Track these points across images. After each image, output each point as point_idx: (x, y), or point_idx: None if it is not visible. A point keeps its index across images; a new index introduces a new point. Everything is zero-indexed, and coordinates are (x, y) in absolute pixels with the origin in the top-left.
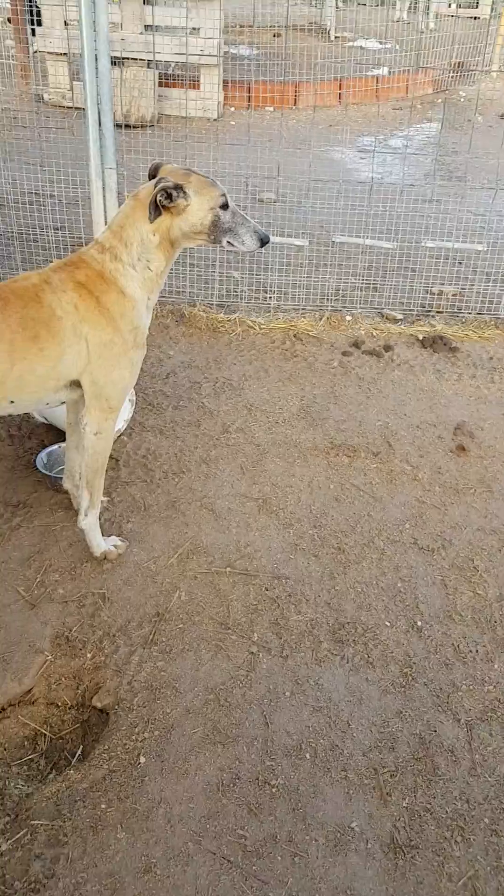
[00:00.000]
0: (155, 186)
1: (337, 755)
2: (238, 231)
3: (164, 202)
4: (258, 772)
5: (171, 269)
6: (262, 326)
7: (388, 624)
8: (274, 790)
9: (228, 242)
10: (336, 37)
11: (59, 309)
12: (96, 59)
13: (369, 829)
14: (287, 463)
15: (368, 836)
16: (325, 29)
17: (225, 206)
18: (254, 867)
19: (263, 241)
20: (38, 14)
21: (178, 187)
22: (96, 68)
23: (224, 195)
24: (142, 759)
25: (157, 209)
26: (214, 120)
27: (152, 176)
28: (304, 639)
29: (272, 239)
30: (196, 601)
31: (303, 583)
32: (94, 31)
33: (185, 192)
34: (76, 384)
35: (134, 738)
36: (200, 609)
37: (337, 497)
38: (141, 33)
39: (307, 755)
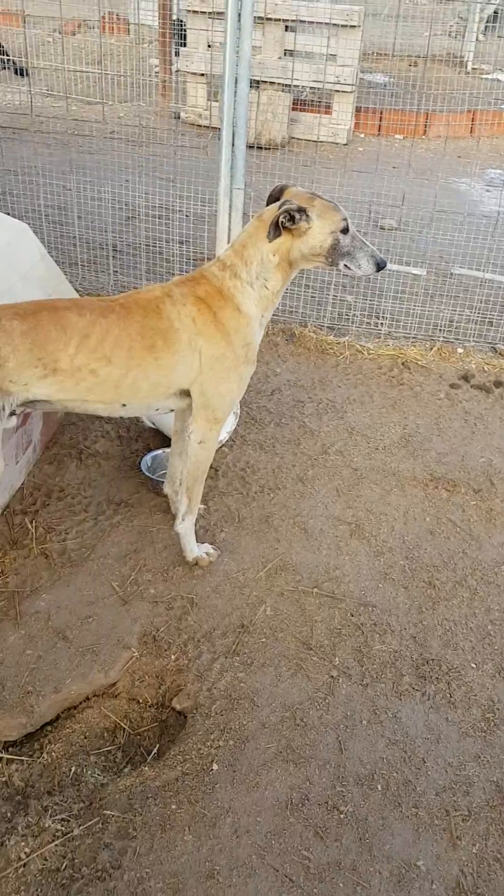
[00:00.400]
0: (279, 208)
1: (409, 791)
2: (356, 255)
3: (286, 223)
4: (328, 796)
5: (286, 289)
6: (371, 352)
7: (474, 666)
8: (342, 816)
9: (345, 266)
10: (473, 69)
11: (177, 321)
12: (236, 83)
13: (435, 870)
14: (384, 490)
15: (434, 876)
16: (463, 60)
17: (345, 231)
18: (315, 890)
19: (380, 267)
20: (184, 36)
21: (301, 210)
22: (235, 91)
23: (345, 220)
24: (214, 766)
25: (277, 230)
26: (343, 145)
27: (276, 198)
28: (386, 669)
29: (389, 266)
30: (281, 617)
31: (389, 613)
32: (237, 55)
33: (307, 215)
34: (186, 393)
35: (209, 744)
36: (284, 626)
37: (432, 530)
38: (279, 58)
39: (379, 786)
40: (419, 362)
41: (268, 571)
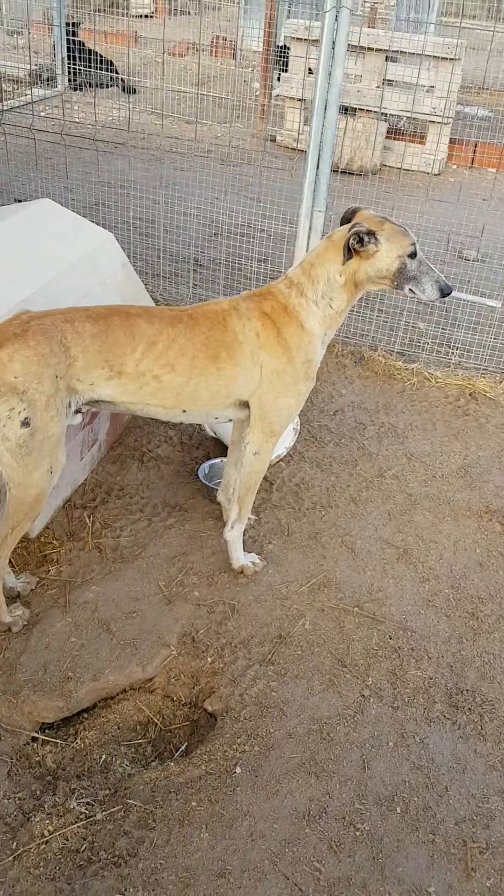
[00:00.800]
0: (349, 230)
1: (428, 817)
2: (421, 280)
3: (355, 245)
4: (346, 812)
5: (358, 312)
6: (439, 380)
7: None
8: (358, 833)
9: (410, 290)
10: None
11: (241, 334)
12: (325, 108)
13: None
14: (436, 518)
15: None
16: None
17: (413, 255)
18: None
19: (444, 293)
20: (286, 62)
21: (371, 233)
22: (324, 116)
23: (414, 244)
24: (238, 770)
25: (349, 252)
26: (435, 175)
27: (347, 220)
28: (418, 694)
29: (465, 296)
30: (318, 632)
31: (428, 639)
32: (329, 82)
33: (376, 238)
34: (245, 404)
35: (235, 747)
36: (321, 641)
37: (481, 562)
38: (378, 87)
39: (398, 808)
40: (487, 394)
41: (311, 586)
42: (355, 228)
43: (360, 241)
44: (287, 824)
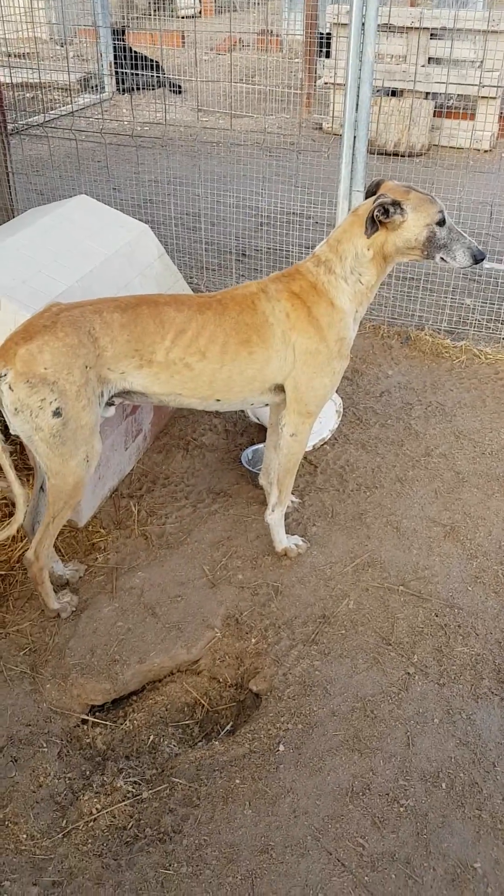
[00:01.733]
0: (373, 202)
1: (475, 792)
2: (452, 247)
3: (380, 217)
4: (390, 788)
5: (404, 292)
6: (489, 357)
7: None
8: (402, 810)
9: (441, 258)
10: None
11: (271, 316)
12: (359, 88)
13: (492, 874)
14: (485, 495)
15: (490, 880)
16: None
17: (441, 223)
18: (366, 878)
19: (477, 259)
20: (329, 47)
21: (396, 203)
22: (357, 96)
23: (441, 211)
24: (281, 748)
25: (374, 224)
26: (486, 151)
27: (372, 192)
28: (465, 671)
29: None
30: (363, 612)
31: (475, 616)
32: (360, 60)
33: (401, 209)
34: (280, 388)
35: (278, 726)
36: (366, 620)
37: None
38: (423, 66)
39: (443, 784)
40: None
41: (355, 567)
42: (380, 200)
43: (386, 212)
44: (330, 801)
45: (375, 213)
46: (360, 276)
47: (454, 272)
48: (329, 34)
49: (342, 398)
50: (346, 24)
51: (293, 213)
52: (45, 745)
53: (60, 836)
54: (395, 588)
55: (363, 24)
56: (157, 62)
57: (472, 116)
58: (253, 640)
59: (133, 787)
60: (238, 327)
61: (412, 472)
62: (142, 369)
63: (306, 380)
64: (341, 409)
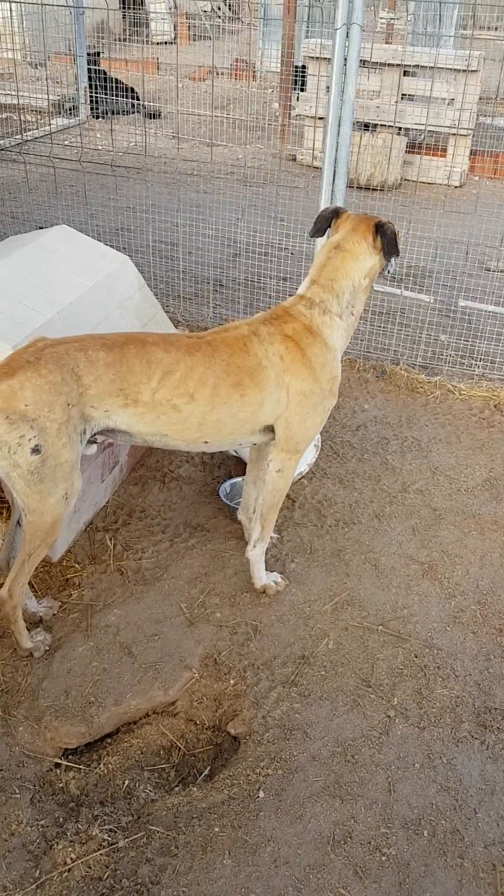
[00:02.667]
0: (377, 231)
1: (456, 840)
2: (391, 259)
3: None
4: (372, 836)
5: (379, 327)
6: (463, 392)
7: None
8: (384, 859)
9: (388, 271)
10: None
11: (264, 359)
12: (339, 125)
13: None
14: (462, 533)
15: None
16: None
17: None
18: None
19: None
20: (304, 80)
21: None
22: (338, 133)
23: None
24: (261, 794)
25: (395, 248)
26: (456, 187)
27: (327, 220)
28: (445, 714)
29: (486, 307)
30: (343, 652)
31: (455, 657)
32: (342, 99)
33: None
34: (269, 429)
35: (258, 771)
36: (345, 661)
37: None
38: (396, 102)
39: (425, 832)
40: None
41: (334, 605)
42: (388, 225)
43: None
44: (311, 849)
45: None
46: (353, 308)
47: (429, 308)
48: (304, 67)
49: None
50: (321, 59)
51: (269, 245)
52: (17, 791)
53: (34, 886)
54: (374, 628)
55: (345, 63)
56: (132, 88)
57: (444, 153)
58: (231, 682)
59: (109, 836)
60: (230, 370)
61: (389, 507)
62: (127, 409)
63: (300, 420)
64: (319, 444)
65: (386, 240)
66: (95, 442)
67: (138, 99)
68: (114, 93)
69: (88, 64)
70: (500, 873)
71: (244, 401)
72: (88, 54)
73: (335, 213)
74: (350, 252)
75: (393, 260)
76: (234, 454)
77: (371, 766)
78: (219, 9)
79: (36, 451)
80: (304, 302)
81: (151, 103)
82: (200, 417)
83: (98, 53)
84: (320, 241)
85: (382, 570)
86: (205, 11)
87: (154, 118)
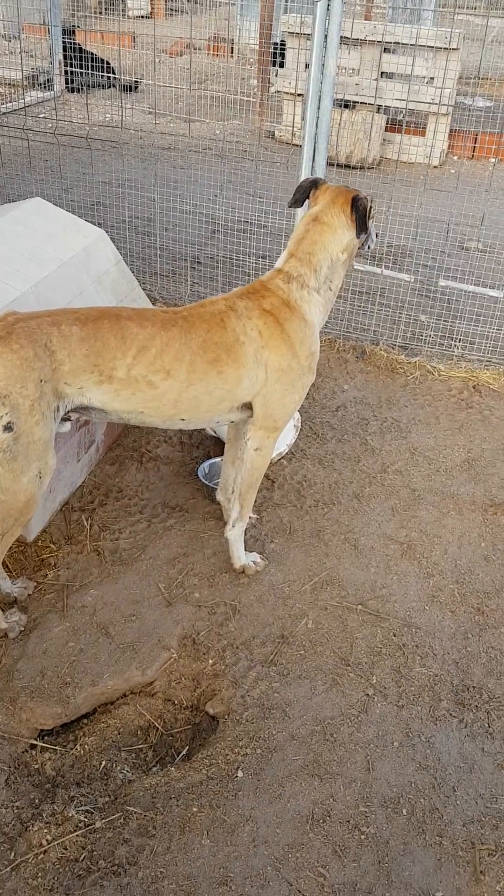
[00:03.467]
0: (352, 205)
1: (435, 818)
2: (372, 234)
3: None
4: (351, 815)
5: (359, 307)
6: (442, 373)
7: None
8: (363, 837)
9: (368, 246)
10: None
11: (242, 335)
12: (320, 100)
13: None
14: (440, 513)
15: None
16: None
17: None
18: None
19: (377, 235)
20: (283, 56)
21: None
22: (318, 108)
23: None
24: (239, 773)
25: (365, 225)
26: (435, 167)
27: (305, 191)
28: (423, 692)
29: (467, 287)
30: (321, 631)
31: (433, 636)
32: (322, 73)
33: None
34: (248, 406)
35: (237, 751)
36: (324, 640)
37: (486, 556)
38: (376, 79)
39: (404, 810)
40: (491, 386)
41: (313, 585)
42: (364, 199)
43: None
44: (290, 829)
45: (371, 210)
46: (331, 282)
47: (409, 288)
48: (283, 42)
49: (299, 413)
50: (300, 34)
51: (247, 222)
52: None
53: (9, 869)
54: (353, 607)
55: (325, 37)
56: (107, 61)
57: (423, 132)
58: (210, 661)
59: (85, 817)
60: (206, 346)
61: (369, 488)
62: (101, 385)
63: (278, 397)
64: (299, 424)
65: (357, 214)
66: (69, 419)
67: (113, 72)
68: (89, 66)
69: (63, 37)
70: (479, 851)
71: (221, 377)
72: (63, 29)
73: (314, 184)
74: (328, 225)
75: (373, 234)
76: (213, 433)
77: (350, 744)
78: None
79: (8, 428)
80: (281, 276)
81: (127, 77)
82: (177, 394)
83: (74, 27)
84: (300, 213)
85: (362, 550)
86: None
87: (131, 91)
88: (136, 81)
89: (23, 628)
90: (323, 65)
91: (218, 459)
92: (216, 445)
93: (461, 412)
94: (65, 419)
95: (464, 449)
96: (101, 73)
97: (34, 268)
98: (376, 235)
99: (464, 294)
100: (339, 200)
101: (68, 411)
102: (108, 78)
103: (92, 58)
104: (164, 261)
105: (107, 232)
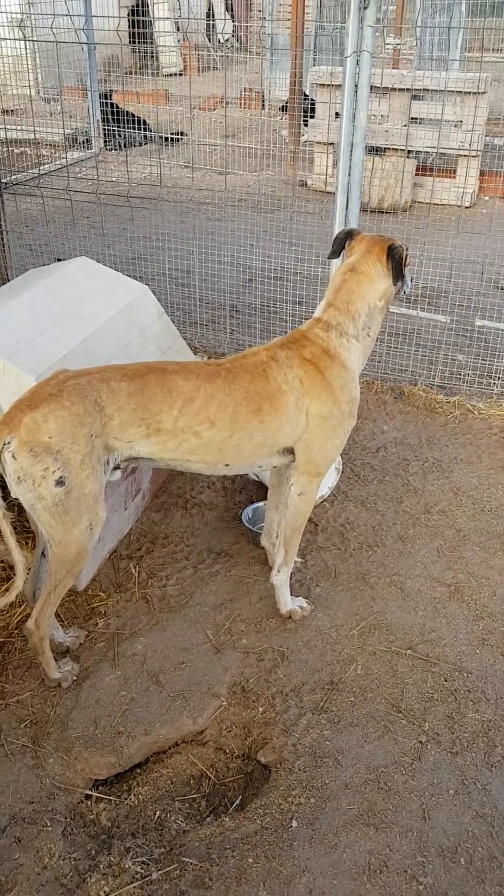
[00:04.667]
0: (388, 254)
1: (494, 867)
2: (406, 278)
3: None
4: (408, 865)
5: (396, 348)
6: (482, 412)
7: None
8: (421, 888)
9: (404, 292)
10: None
11: (284, 384)
12: (352, 150)
13: None
14: (487, 553)
15: None
16: None
17: None
18: None
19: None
20: (313, 108)
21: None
22: (350, 158)
23: None
24: (294, 823)
25: (401, 272)
26: (467, 207)
27: (341, 242)
28: (478, 738)
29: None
30: (371, 677)
31: (485, 680)
32: (353, 125)
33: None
34: (289, 451)
35: (290, 800)
36: (375, 686)
37: None
38: (405, 125)
39: (462, 860)
40: None
41: (361, 629)
42: (400, 248)
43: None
44: (347, 879)
45: (406, 258)
46: (370, 329)
47: (445, 328)
48: (308, 96)
49: (340, 455)
50: (328, 85)
51: (283, 270)
52: (48, 824)
53: None
54: (402, 652)
55: (356, 90)
56: (143, 119)
57: (453, 175)
58: (260, 709)
59: (141, 868)
60: (249, 396)
61: (413, 529)
62: (149, 438)
63: (320, 443)
64: (340, 467)
65: (393, 263)
66: (119, 468)
67: (150, 129)
68: (125, 125)
69: (102, 99)
70: None
71: (263, 426)
72: (102, 92)
73: (349, 235)
74: (365, 274)
75: (408, 279)
76: (255, 478)
77: (405, 792)
78: (227, 40)
79: (60, 483)
80: (320, 325)
81: (163, 134)
82: (221, 442)
83: (110, 91)
84: (335, 263)
85: (408, 592)
86: (215, 42)
87: (175, 142)
88: (180, 133)
89: (75, 677)
90: (354, 115)
91: (261, 504)
92: (259, 490)
93: (503, 450)
94: (115, 468)
95: None
96: (138, 131)
97: (82, 324)
98: (411, 280)
99: (501, 333)
100: (375, 250)
101: (118, 462)
102: (145, 135)
103: (128, 116)
104: (204, 310)
105: (147, 285)
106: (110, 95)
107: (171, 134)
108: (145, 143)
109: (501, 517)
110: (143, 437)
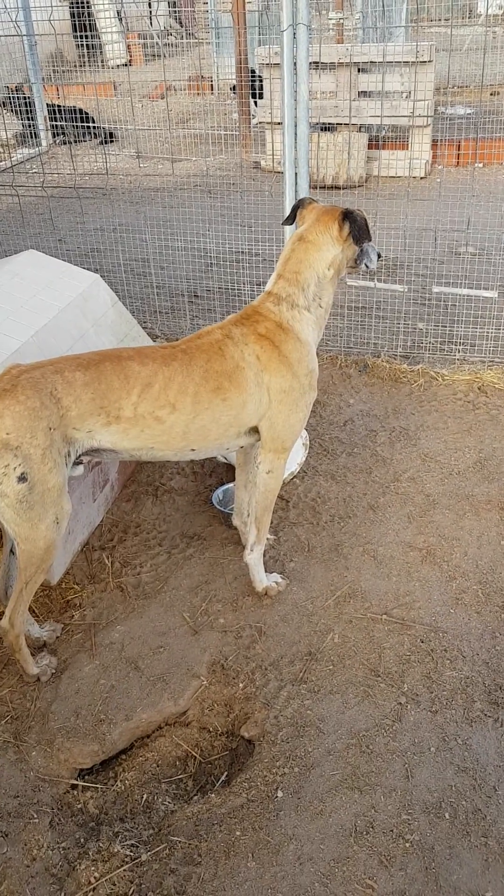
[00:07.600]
0: (344, 220)
1: (478, 819)
2: (369, 252)
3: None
4: (394, 824)
5: (358, 321)
6: (446, 378)
7: None
8: (408, 845)
9: (365, 265)
10: None
11: (241, 361)
12: (296, 126)
13: None
14: (457, 515)
15: None
16: None
17: None
18: None
19: (379, 256)
20: (261, 87)
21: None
22: (295, 134)
23: None
24: (279, 794)
25: (366, 235)
26: (421, 178)
27: (295, 210)
28: (456, 696)
29: (461, 291)
30: (349, 645)
31: (461, 638)
32: (295, 100)
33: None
34: (255, 430)
35: (274, 771)
36: (352, 653)
37: None
38: (354, 100)
39: (446, 815)
40: (496, 385)
41: (336, 599)
42: (357, 211)
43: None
44: (334, 843)
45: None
46: (321, 299)
47: (403, 298)
48: (255, 73)
49: (307, 430)
50: (276, 65)
51: (240, 252)
52: (35, 816)
53: None
54: (378, 617)
55: (295, 64)
56: (85, 112)
57: (406, 146)
58: (240, 685)
59: (131, 851)
60: (208, 376)
61: (383, 498)
62: (109, 426)
63: (283, 418)
64: (308, 442)
65: (356, 226)
66: (81, 462)
67: (93, 122)
68: (66, 119)
69: (12, 94)
70: None
71: (226, 404)
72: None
73: (301, 203)
74: (312, 243)
75: (371, 254)
76: (224, 460)
77: (387, 754)
78: (170, 27)
79: (22, 479)
80: (271, 298)
81: (105, 126)
82: (184, 426)
83: (20, 85)
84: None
85: (381, 559)
86: (157, 31)
87: (108, 142)
88: (110, 132)
89: (54, 670)
90: (295, 91)
91: (231, 485)
92: (228, 472)
93: (468, 414)
94: (77, 462)
95: (475, 450)
96: (80, 125)
97: (33, 317)
98: (378, 256)
99: (459, 298)
100: (324, 218)
101: (80, 455)
102: (89, 129)
103: (65, 110)
104: (163, 298)
105: (104, 276)
106: (20, 89)
107: (102, 133)
108: (88, 139)
109: (469, 479)
110: (104, 426)
